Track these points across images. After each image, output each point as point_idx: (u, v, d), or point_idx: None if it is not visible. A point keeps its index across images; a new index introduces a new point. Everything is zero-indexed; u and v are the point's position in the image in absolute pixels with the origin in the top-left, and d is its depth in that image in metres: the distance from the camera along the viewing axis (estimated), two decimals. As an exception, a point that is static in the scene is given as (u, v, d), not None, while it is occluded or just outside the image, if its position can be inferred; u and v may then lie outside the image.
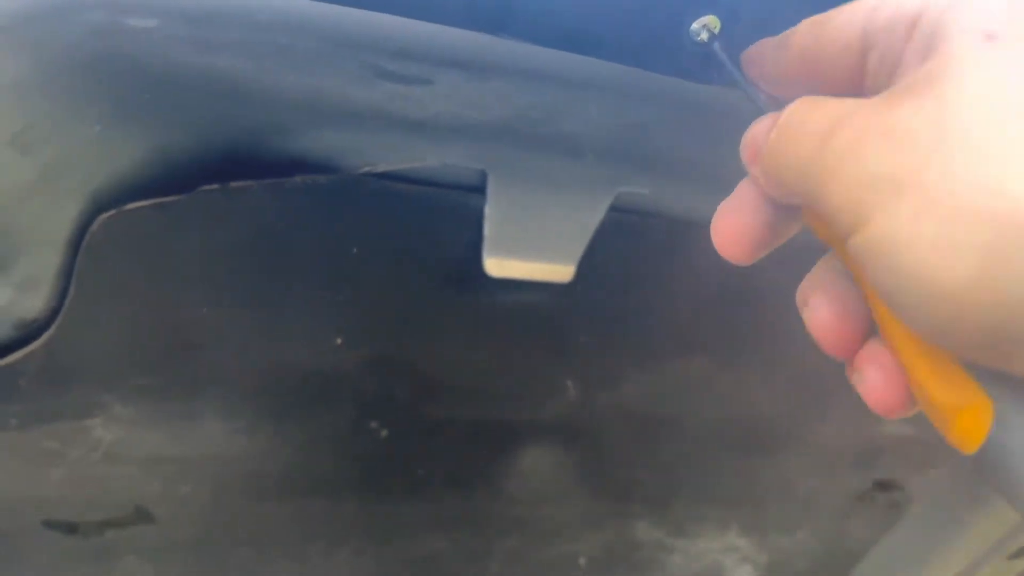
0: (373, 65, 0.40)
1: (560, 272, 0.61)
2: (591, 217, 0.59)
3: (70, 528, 0.66)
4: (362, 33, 0.37)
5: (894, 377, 0.28)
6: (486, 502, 0.74)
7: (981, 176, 0.20)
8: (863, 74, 0.28)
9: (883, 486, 0.79)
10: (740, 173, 0.35)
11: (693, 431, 0.71)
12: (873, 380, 0.29)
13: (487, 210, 0.57)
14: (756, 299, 0.65)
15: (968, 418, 0.26)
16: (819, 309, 0.31)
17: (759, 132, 0.31)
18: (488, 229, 0.58)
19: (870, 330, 0.30)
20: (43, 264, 0.45)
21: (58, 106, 0.38)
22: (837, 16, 0.29)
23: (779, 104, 0.31)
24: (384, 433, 0.65)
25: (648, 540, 0.81)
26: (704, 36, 0.38)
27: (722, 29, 0.38)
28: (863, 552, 0.85)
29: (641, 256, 0.63)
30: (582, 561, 0.82)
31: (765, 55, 0.33)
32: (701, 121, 0.49)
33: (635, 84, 0.42)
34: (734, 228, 0.32)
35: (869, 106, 0.24)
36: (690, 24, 0.38)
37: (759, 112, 0.33)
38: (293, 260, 0.55)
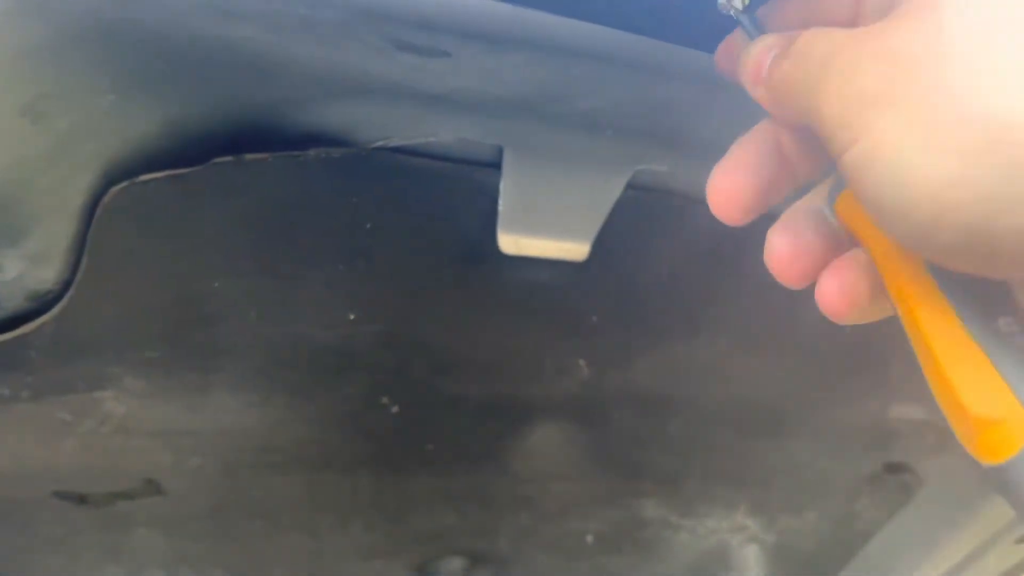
0: (394, 37, 0.39)
1: (575, 250, 0.60)
2: (608, 195, 0.58)
3: (80, 499, 0.66)
4: (384, 4, 0.36)
5: (849, 284, 0.31)
6: (496, 479, 0.74)
7: (963, 85, 0.22)
8: (861, 14, 0.31)
9: (894, 469, 0.79)
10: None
11: (704, 411, 0.71)
12: (828, 285, 0.32)
13: (502, 186, 0.56)
14: (770, 281, 0.65)
15: (999, 431, 0.25)
16: (777, 243, 0.33)
17: (760, 54, 0.32)
18: (503, 205, 0.57)
19: (822, 267, 0.32)
20: (56, 236, 0.44)
21: (72, 75, 0.37)
22: None
23: None
24: (395, 408, 0.65)
25: (655, 518, 0.81)
26: (737, 4, 0.37)
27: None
28: (871, 534, 0.85)
29: (656, 235, 0.63)
30: (589, 538, 0.82)
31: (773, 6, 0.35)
32: (726, 97, 0.48)
33: (660, 58, 0.41)
34: (729, 188, 0.34)
35: (865, 32, 0.26)
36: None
37: None
38: (306, 234, 0.54)
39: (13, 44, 0.35)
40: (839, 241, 0.33)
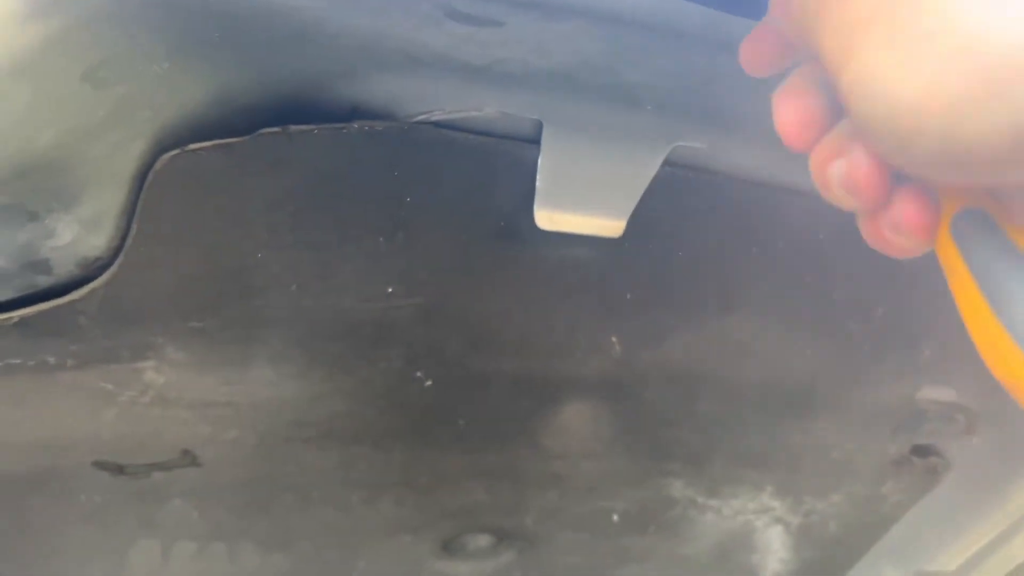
0: (446, 5, 0.40)
1: (611, 227, 0.61)
2: (645, 171, 0.58)
3: (118, 469, 0.67)
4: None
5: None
6: (526, 455, 0.75)
7: (940, 5, 0.24)
8: None
9: (921, 452, 0.79)
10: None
11: (734, 391, 0.71)
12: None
13: (540, 161, 0.57)
14: (802, 262, 0.65)
15: None
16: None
17: None
18: (540, 181, 0.57)
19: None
20: (108, 201, 0.45)
21: (132, 42, 0.38)
22: None
23: None
24: (428, 383, 0.66)
25: (682, 498, 0.81)
26: None
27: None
28: (897, 517, 0.85)
29: (692, 213, 0.63)
30: (615, 517, 0.83)
31: None
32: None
33: (708, 26, 0.42)
34: (795, 113, 0.34)
35: None
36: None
37: None
38: (348, 207, 0.55)
39: (78, 11, 0.36)
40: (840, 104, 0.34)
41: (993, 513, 0.82)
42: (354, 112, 0.53)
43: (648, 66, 0.48)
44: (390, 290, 0.59)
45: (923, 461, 0.80)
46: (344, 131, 0.52)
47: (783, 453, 0.77)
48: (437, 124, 0.55)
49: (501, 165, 0.58)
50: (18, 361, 0.55)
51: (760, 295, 0.66)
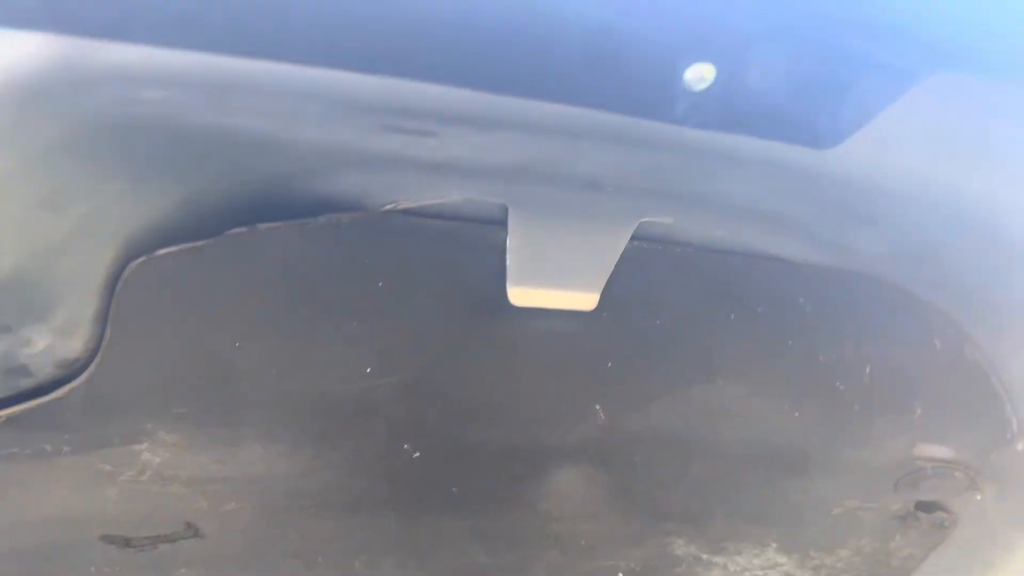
0: (380, 121, 0.41)
1: (583, 300, 0.62)
2: (613, 246, 0.59)
3: (125, 542, 0.70)
4: (364, 95, 0.38)
5: None
6: (524, 519, 0.75)
7: None
8: None
9: (926, 507, 0.78)
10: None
11: (723, 453, 0.71)
12: None
13: (508, 242, 0.58)
14: (784, 326, 0.65)
15: None
16: None
17: None
18: (510, 260, 0.59)
19: None
20: (80, 310, 0.48)
21: (85, 168, 0.40)
22: None
23: None
24: (416, 454, 0.67)
25: (686, 556, 0.81)
26: (702, 85, 0.38)
27: (718, 77, 0.38)
28: (908, 572, 0.84)
29: (667, 283, 0.64)
30: (620, 575, 0.83)
31: None
32: (713, 159, 0.49)
33: (637, 132, 0.43)
34: None
35: None
36: (684, 73, 0.38)
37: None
38: (320, 295, 0.56)
39: (28, 145, 0.38)
40: None
41: (1004, 568, 0.80)
42: (323, 206, 0.55)
43: (596, 160, 0.49)
44: (368, 370, 0.61)
45: (929, 516, 0.78)
46: (312, 225, 0.54)
47: (783, 510, 0.77)
48: (406, 212, 0.57)
49: (472, 246, 0.59)
50: (16, 450, 0.58)
51: (742, 359, 0.66)
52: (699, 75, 0.38)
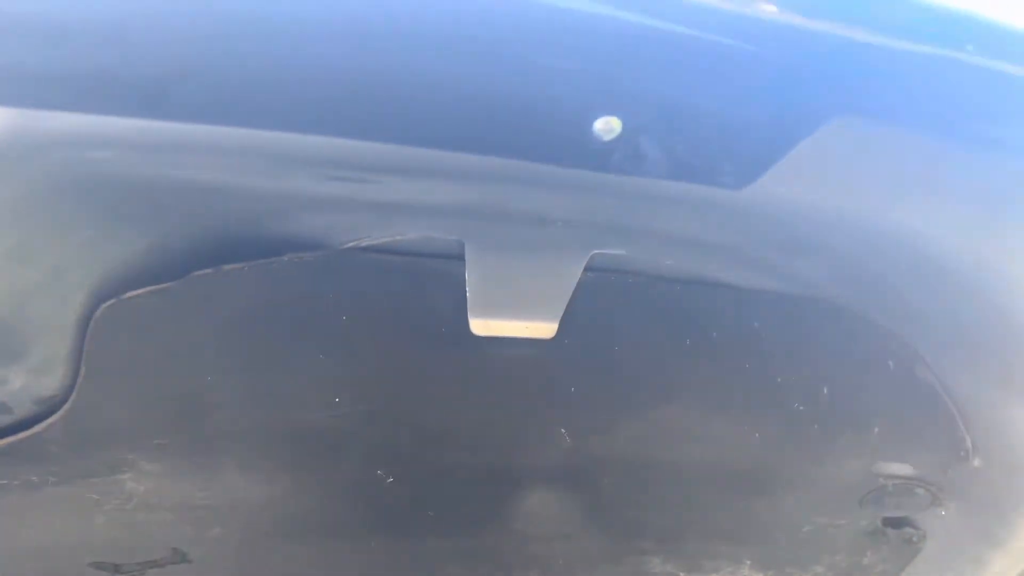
0: (319, 172, 0.44)
1: (542, 329, 0.64)
2: (568, 277, 0.62)
3: (115, 568, 0.73)
4: (297, 152, 0.41)
5: None
6: (500, 540, 0.78)
7: None
8: None
9: (894, 523, 0.79)
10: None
11: (688, 473, 0.73)
12: None
13: (467, 276, 0.61)
14: (738, 350, 0.67)
15: None
16: None
17: None
18: (469, 293, 0.62)
19: None
20: (53, 350, 0.51)
21: (47, 222, 0.44)
22: None
23: None
24: (390, 479, 0.70)
25: (663, 574, 0.83)
26: (610, 136, 0.41)
27: (624, 128, 0.41)
28: (884, 586, 0.85)
29: (625, 311, 0.66)
30: (601, 594, 0.85)
31: None
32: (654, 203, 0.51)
33: (563, 177, 0.45)
34: None
35: None
36: (593, 125, 0.41)
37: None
38: (285, 330, 0.60)
39: (-5, 204, 0.42)
40: None
41: (977, 581, 0.81)
42: (286, 245, 0.58)
43: (535, 199, 0.51)
44: (337, 400, 0.64)
45: (897, 532, 0.80)
46: (275, 264, 0.57)
47: (753, 528, 0.78)
48: (366, 249, 0.60)
49: (431, 281, 0.62)
50: (5, 482, 0.61)
51: (699, 383, 0.69)
52: (607, 127, 0.40)
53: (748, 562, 0.82)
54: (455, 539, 0.78)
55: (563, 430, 0.69)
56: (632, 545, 0.80)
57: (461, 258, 0.61)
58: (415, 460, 0.70)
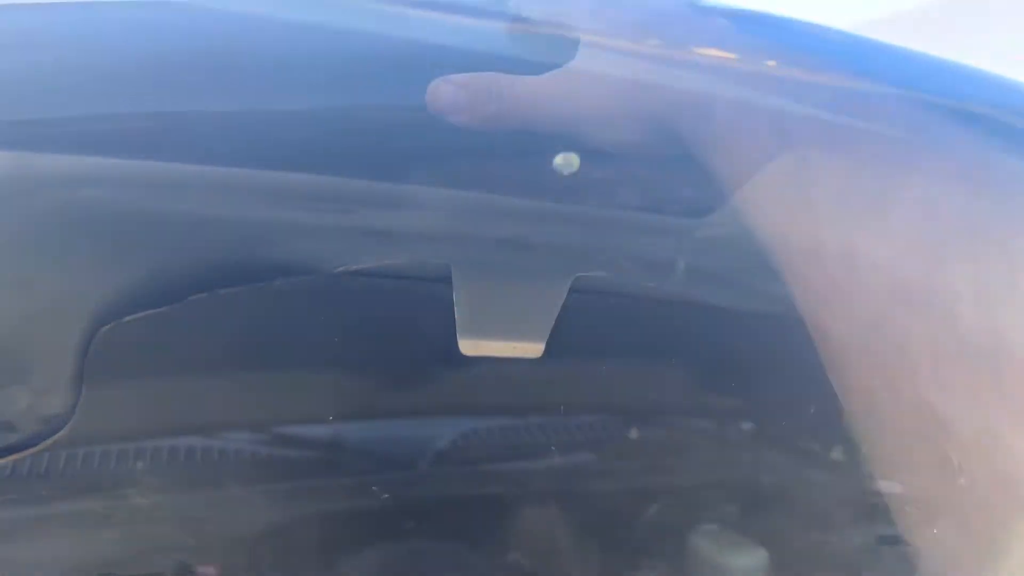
0: (297, 205, 0.47)
1: (530, 349, 0.66)
2: (552, 299, 0.64)
3: (123, 581, 0.76)
4: (286, 189, 0.44)
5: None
6: (497, 556, 0.80)
7: None
8: None
9: (889, 541, 0.79)
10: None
11: (680, 492, 0.74)
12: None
13: (455, 298, 0.63)
14: (726, 370, 0.69)
15: None
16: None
17: None
18: (458, 315, 0.64)
19: None
20: (55, 372, 0.54)
21: (45, 256, 0.47)
22: None
23: None
24: (385, 495, 0.72)
25: (661, 590, 0.84)
26: (569, 170, 0.43)
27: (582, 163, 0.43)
28: (882, 605, 0.85)
29: (609, 331, 0.68)
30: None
31: None
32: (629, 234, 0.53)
33: (529, 208, 0.47)
34: None
35: None
36: (554, 160, 0.43)
37: None
38: (280, 352, 0.62)
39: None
40: None
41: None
42: (279, 270, 0.61)
43: (507, 228, 0.54)
44: (331, 418, 0.66)
45: (894, 550, 0.80)
46: (268, 288, 0.59)
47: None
48: (357, 273, 0.62)
49: (424, 301, 0.65)
50: (15, 496, 0.64)
51: (686, 403, 0.70)
52: (567, 162, 0.42)
53: (745, 579, 0.83)
54: (456, 556, 0.80)
55: (553, 447, 0.71)
56: (630, 562, 0.81)
57: (449, 280, 0.63)
58: (408, 477, 0.72)
